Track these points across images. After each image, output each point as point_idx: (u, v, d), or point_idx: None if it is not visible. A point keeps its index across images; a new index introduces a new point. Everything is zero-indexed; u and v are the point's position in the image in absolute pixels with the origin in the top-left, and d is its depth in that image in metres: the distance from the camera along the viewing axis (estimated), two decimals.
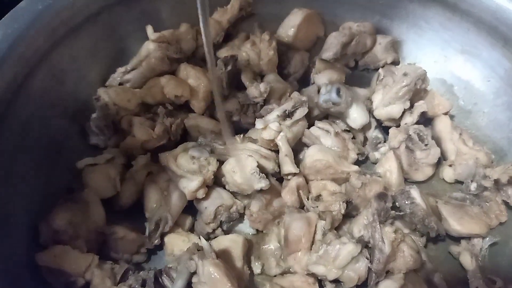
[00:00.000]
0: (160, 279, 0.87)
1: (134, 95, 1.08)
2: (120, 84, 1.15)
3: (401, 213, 1.00)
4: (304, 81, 1.29)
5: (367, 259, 0.90)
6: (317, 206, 0.99)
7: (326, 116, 1.20)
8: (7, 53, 0.90)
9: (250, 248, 0.98)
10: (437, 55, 1.34)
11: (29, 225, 0.91)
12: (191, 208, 1.02)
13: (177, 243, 0.93)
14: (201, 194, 0.98)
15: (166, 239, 0.93)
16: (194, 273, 0.87)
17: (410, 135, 1.13)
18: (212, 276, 0.83)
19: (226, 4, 1.30)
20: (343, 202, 0.97)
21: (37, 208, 0.94)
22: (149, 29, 1.16)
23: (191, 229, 1.00)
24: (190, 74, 1.14)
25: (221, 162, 1.03)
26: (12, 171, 0.92)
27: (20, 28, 0.94)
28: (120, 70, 1.17)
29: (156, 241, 0.93)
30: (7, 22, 0.94)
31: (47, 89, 1.04)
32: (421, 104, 1.17)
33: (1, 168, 0.88)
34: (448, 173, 1.15)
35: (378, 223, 0.92)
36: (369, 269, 0.90)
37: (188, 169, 0.97)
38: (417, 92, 1.19)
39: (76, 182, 1.03)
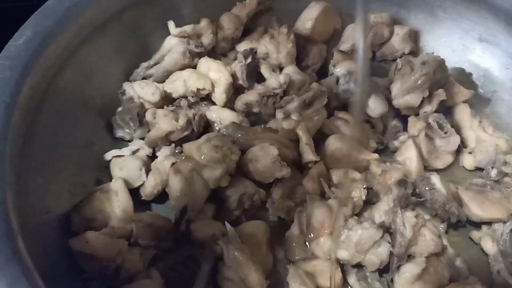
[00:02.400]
0: (187, 264, 0.90)
1: (157, 88, 1.11)
2: (144, 78, 1.19)
3: (422, 199, 1.01)
4: (322, 73, 1.31)
5: (389, 243, 0.92)
6: (338, 193, 1.01)
7: (345, 106, 1.21)
8: (39, 49, 0.94)
9: (273, 234, 1.00)
10: (456, 44, 1.34)
11: (62, 215, 0.95)
12: (214, 197, 1.05)
13: (203, 229, 0.95)
14: (224, 182, 1.01)
15: (192, 226, 0.96)
16: (220, 258, 0.90)
17: (429, 123, 1.13)
18: (238, 260, 0.86)
19: None
20: (364, 188, 0.99)
21: (69, 198, 0.98)
22: (171, 25, 1.20)
23: (215, 217, 1.03)
24: (211, 68, 1.17)
25: (242, 152, 1.06)
26: (45, 164, 0.95)
27: (50, 25, 0.97)
28: (144, 65, 1.20)
29: (182, 227, 0.96)
30: (37, 20, 0.97)
31: (76, 85, 1.07)
32: (440, 93, 1.18)
33: (38, 161, 0.91)
34: (468, 161, 1.15)
35: (399, 208, 0.93)
36: (391, 253, 0.92)
37: (211, 158, 1.00)
38: (436, 81, 1.19)
39: (105, 174, 1.07)
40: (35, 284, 0.66)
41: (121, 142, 1.15)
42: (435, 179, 1.02)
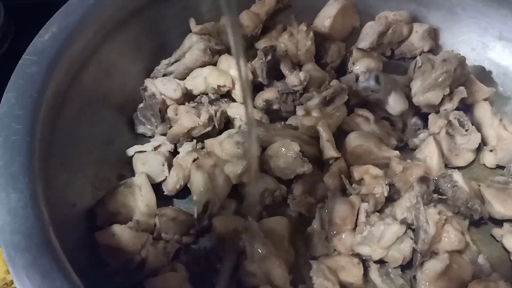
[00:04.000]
0: (209, 258, 0.91)
1: (178, 85, 1.12)
2: (164, 75, 1.20)
3: (444, 196, 1.01)
4: (341, 71, 1.31)
5: (412, 239, 0.92)
6: (360, 190, 1.01)
7: (365, 104, 1.21)
8: (64, 45, 0.95)
9: (294, 230, 1.01)
10: (475, 42, 1.34)
11: (87, 209, 0.96)
12: (235, 193, 1.05)
13: (225, 224, 0.96)
14: (246, 178, 1.01)
15: (214, 221, 0.96)
16: (242, 252, 0.91)
17: (450, 120, 1.13)
18: (261, 254, 0.86)
19: None
20: (386, 184, 0.99)
21: (93, 193, 0.99)
22: (192, 22, 1.21)
23: (236, 213, 1.03)
24: (231, 65, 1.17)
25: (264, 148, 1.06)
26: (69, 159, 0.96)
27: (74, 22, 0.98)
28: (164, 62, 1.21)
29: (205, 222, 0.97)
30: (62, 16, 0.99)
31: (97, 82, 1.08)
32: (461, 90, 1.17)
33: (62, 156, 0.92)
34: (489, 158, 1.15)
35: (422, 204, 0.93)
36: (414, 250, 0.92)
37: (233, 154, 1.01)
38: (456, 79, 1.19)
39: (127, 169, 1.08)
40: (68, 275, 0.67)
41: (142, 138, 1.16)
42: (458, 176, 1.02)
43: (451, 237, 0.91)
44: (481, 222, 1.04)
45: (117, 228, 0.87)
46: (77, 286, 0.66)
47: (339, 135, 1.14)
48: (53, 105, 0.91)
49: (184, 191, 1.07)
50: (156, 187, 1.04)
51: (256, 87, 1.21)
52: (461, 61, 1.16)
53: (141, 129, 1.15)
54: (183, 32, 1.25)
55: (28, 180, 0.75)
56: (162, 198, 1.04)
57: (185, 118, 1.07)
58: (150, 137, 1.16)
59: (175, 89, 1.12)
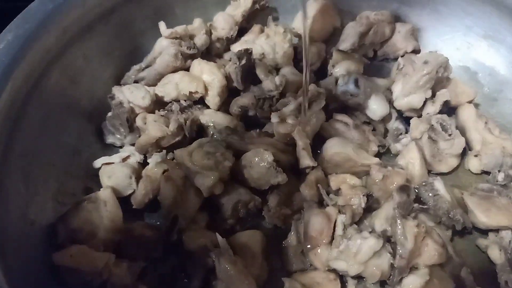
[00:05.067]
0: (177, 276, 0.86)
1: (147, 92, 1.07)
2: (135, 82, 1.15)
3: (425, 206, 0.97)
4: (322, 74, 1.26)
5: (390, 254, 0.87)
6: (337, 201, 0.96)
7: (345, 108, 1.16)
8: (19, 54, 0.90)
9: (269, 243, 0.96)
10: (459, 41, 1.29)
11: (47, 226, 0.91)
12: (207, 205, 1.00)
13: (194, 239, 0.91)
14: (218, 190, 0.96)
15: (183, 236, 0.92)
16: (211, 270, 0.86)
17: (432, 125, 1.09)
18: (229, 273, 0.82)
19: None
20: (363, 195, 0.94)
21: (56, 208, 0.94)
22: (162, 26, 1.15)
23: (208, 226, 0.98)
24: (204, 70, 1.12)
25: (237, 158, 1.01)
26: (30, 172, 0.91)
27: (31, 28, 0.94)
28: (135, 68, 1.16)
29: (173, 237, 0.92)
30: (19, 23, 0.93)
31: (62, 89, 1.03)
32: (444, 93, 1.13)
33: (20, 169, 0.88)
34: (473, 164, 1.10)
35: (399, 217, 0.89)
36: (392, 265, 0.87)
37: (204, 165, 0.96)
38: (439, 81, 1.15)
39: (94, 182, 1.03)
40: None
41: (112, 148, 1.11)
42: (439, 184, 0.97)
43: (431, 251, 0.87)
44: (465, 232, 1.00)
45: (75, 249, 0.82)
46: None
47: (318, 141, 1.10)
48: (7, 116, 0.86)
49: (155, 204, 1.02)
50: (125, 200, 1.00)
51: (232, 92, 1.16)
52: (443, 62, 1.12)
53: (110, 139, 1.10)
54: (156, 35, 1.19)
55: None
56: (131, 212, 1.00)
57: (153, 128, 1.02)
58: (120, 147, 1.11)
59: (143, 96, 1.06)
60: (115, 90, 1.08)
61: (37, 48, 0.94)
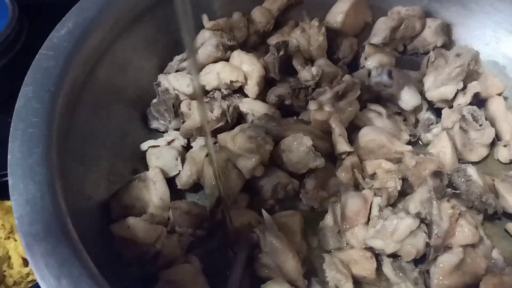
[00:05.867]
0: (223, 251, 0.92)
1: (192, 80, 1.13)
2: (177, 71, 1.20)
3: (458, 191, 1.00)
4: (353, 67, 1.31)
5: (425, 233, 0.92)
6: (373, 184, 1.01)
7: (378, 99, 1.21)
8: (80, 40, 0.96)
9: (306, 224, 1.01)
10: (488, 37, 1.33)
11: (102, 202, 0.97)
12: (248, 187, 1.06)
13: (238, 218, 0.96)
14: (259, 172, 1.02)
15: (230, 213, 0.97)
16: (256, 245, 0.91)
17: (464, 115, 1.13)
18: (275, 246, 0.87)
19: None
20: (399, 178, 0.98)
21: (108, 186, 1.00)
22: (205, 18, 1.21)
23: (249, 207, 1.04)
24: (244, 60, 1.18)
25: (276, 143, 1.06)
26: (85, 152, 0.97)
27: (89, 18, 0.99)
28: (177, 58, 1.22)
29: (218, 216, 0.97)
30: (77, 12, 0.99)
31: (112, 77, 1.09)
32: (475, 85, 1.17)
33: (78, 149, 0.94)
34: (503, 153, 1.14)
35: (435, 198, 0.93)
36: (427, 244, 0.92)
37: (246, 148, 1.01)
38: (470, 74, 1.18)
39: (141, 164, 1.10)
40: (86, 264, 0.68)
41: (155, 133, 1.18)
42: (472, 170, 1.01)
43: (464, 231, 0.91)
44: (495, 216, 1.03)
45: (132, 221, 0.88)
46: (95, 275, 0.67)
47: (352, 130, 1.15)
48: (69, 99, 0.92)
49: (196, 185, 1.08)
50: (170, 181, 1.06)
51: (269, 83, 1.21)
52: (475, 55, 1.16)
53: (154, 124, 1.16)
54: (196, 29, 1.25)
55: (46, 172, 0.76)
56: (175, 192, 1.06)
57: (198, 113, 1.07)
58: (163, 132, 1.17)
59: (188, 84, 1.12)
60: (161, 78, 1.14)
61: (94, 37, 0.99)
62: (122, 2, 1.08)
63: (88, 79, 1.00)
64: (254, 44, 1.32)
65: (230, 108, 1.11)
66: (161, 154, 1.06)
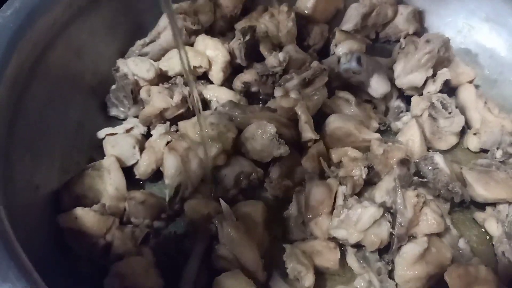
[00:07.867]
0: (180, 243, 0.88)
1: (152, 65, 1.08)
2: (139, 56, 1.15)
3: (424, 179, 0.98)
4: (324, 54, 1.27)
5: (389, 223, 0.89)
6: (338, 172, 0.98)
7: (347, 86, 1.18)
8: (26, 22, 0.90)
9: (270, 214, 0.97)
10: (461, 24, 1.30)
11: (52, 193, 0.92)
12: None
13: (197, 208, 0.92)
14: (221, 161, 0.98)
15: (186, 205, 0.93)
16: (214, 237, 0.87)
17: (433, 103, 1.10)
18: (232, 237, 0.83)
19: None
20: (364, 167, 0.95)
21: (60, 176, 0.95)
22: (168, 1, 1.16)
23: (210, 196, 1.00)
24: (208, 45, 1.13)
25: (241, 131, 1.02)
26: (35, 141, 0.92)
27: None
28: (139, 43, 1.17)
29: (176, 206, 0.93)
30: None
31: (67, 62, 1.04)
32: (445, 72, 1.14)
33: (27, 140, 0.88)
34: (472, 142, 1.12)
35: (399, 187, 0.90)
36: (391, 234, 0.89)
37: (207, 136, 0.97)
38: (440, 61, 1.16)
39: (98, 153, 1.04)
40: (20, 265, 0.62)
41: (115, 121, 1.12)
42: (439, 158, 0.99)
43: (429, 220, 0.88)
44: (463, 205, 1.01)
45: (80, 211, 0.83)
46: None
47: (320, 117, 1.11)
48: (14, 83, 0.86)
49: (156, 175, 1.03)
50: (128, 170, 1.01)
51: (235, 69, 1.17)
52: (445, 42, 1.13)
53: (113, 112, 1.11)
54: (159, 12, 1.20)
55: None
56: (133, 182, 1.01)
57: (157, 99, 1.03)
58: (123, 119, 1.12)
59: (148, 69, 1.08)
60: (120, 62, 1.09)
61: (43, 18, 0.94)
62: None
63: (38, 64, 0.94)
64: (221, 29, 1.27)
65: (192, 94, 1.06)
66: (117, 143, 1.01)
